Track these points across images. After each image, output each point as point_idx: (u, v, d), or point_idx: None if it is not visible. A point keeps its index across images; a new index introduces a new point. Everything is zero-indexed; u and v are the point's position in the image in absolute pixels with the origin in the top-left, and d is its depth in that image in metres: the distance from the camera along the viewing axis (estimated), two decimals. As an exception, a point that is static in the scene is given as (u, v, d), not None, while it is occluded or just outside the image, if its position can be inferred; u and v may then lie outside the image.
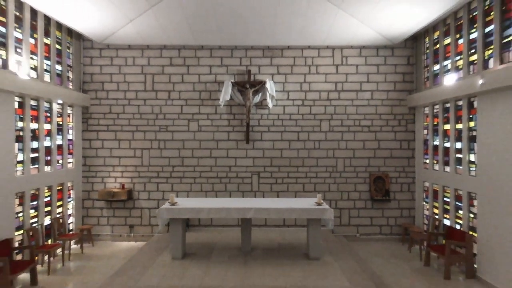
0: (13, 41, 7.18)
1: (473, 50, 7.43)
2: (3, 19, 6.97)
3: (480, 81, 6.64)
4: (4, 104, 6.88)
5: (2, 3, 6.95)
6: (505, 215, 6.33)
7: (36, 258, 7.33)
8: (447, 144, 8.36)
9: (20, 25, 7.48)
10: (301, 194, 9.76)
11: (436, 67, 8.86)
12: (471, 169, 7.48)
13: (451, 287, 6.80)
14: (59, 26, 8.89)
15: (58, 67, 8.87)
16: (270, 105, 9.66)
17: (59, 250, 8.33)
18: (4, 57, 6.96)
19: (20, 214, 7.45)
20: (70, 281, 7.10)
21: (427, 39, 9.30)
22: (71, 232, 9.23)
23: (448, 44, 8.32)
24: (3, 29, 6.95)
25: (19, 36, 7.44)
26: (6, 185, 6.91)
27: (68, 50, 9.32)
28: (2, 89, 6.63)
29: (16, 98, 7.36)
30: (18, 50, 7.39)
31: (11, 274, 6.19)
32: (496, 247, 6.58)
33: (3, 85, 6.61)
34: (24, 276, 7.05)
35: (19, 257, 7.27)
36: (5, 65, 6.97)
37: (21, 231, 7.42)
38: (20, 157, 7.45)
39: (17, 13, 7.39)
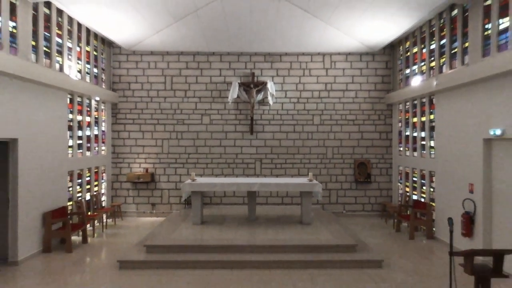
0: (66, 49, 8.99)
1: (432, 58, 9.30)
2: (60, 32, 8.79)
3: (435, 83, 8.52)
4: (60, 99, 8.71)
5: (59, 19, 8.76)
6: (455, 188, 8.16)
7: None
8: (415, 134, 10.23)
9: (71, 37, 9.29)
10: (297, 177, 11.58)
11: (408, 70, 10.74)
12: (431, 152, 9.36)
13: (414, 245, 8.65)
14: (95, 35, 10.69)
15: (95, 70, 10.68)
16: (270, 102, 11.52)
17: (96, 221, 10.11)
18: (61, 62, 8.78)
19: (70, 189, 9.26)
20: (112, 242, 8.93)
21: (401, 47, 11.18)
22: (104, 207, 11.02)
23: (416, 52, 10.20)
24: (60, 40, 8.76)
25: (70, 45, 9.25)
26: (62, 165, 8.73)
27: (101, 56, 11.11)
28: (60, 87, 8.44)
29: (68, 95, 9.16)
30: (69, 56, 9.20)
31: (71, 231, 8.02)
32: (449, 213, 8.41)
33: (61, 84, 8.42)
34: (74, 238, 8.86)
35: (69, 223, 9.07)
36: (61, 68, 8.78)
37: (71, 202, 9.22)
38: (70, 142, 9.26)
39: (69, 27, 9.20)
